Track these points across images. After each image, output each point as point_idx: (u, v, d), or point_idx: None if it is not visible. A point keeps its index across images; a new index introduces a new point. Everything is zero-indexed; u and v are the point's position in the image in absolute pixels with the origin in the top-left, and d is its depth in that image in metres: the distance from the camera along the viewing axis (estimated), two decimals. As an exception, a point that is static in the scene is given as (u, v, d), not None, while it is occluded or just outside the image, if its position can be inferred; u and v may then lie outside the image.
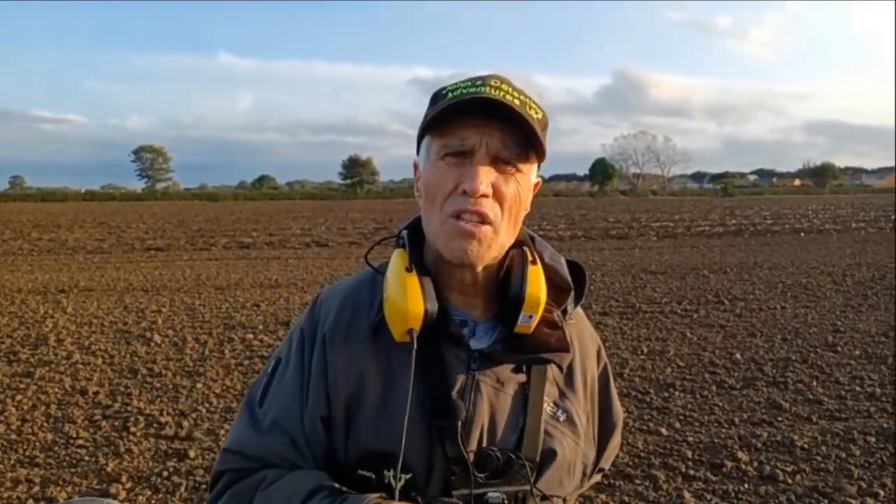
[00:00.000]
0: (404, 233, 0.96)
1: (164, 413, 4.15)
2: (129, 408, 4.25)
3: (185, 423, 3.97)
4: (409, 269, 0.88)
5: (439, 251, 0.89)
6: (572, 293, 0.97)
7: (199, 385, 4.69)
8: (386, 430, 0.87)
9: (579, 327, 1.03)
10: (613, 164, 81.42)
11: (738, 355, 5.44)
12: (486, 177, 0.84)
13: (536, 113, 0.88)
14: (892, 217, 23.34)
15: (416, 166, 0.96)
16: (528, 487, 0.88)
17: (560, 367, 0.94)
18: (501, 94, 0.85)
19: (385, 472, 0.86)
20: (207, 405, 4.29)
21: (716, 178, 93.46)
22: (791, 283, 9.22)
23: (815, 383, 4.72)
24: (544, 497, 0.91)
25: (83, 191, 61.88)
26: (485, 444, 0.89)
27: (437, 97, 0.89)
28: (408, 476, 0.86)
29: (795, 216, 25.56)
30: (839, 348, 5.66)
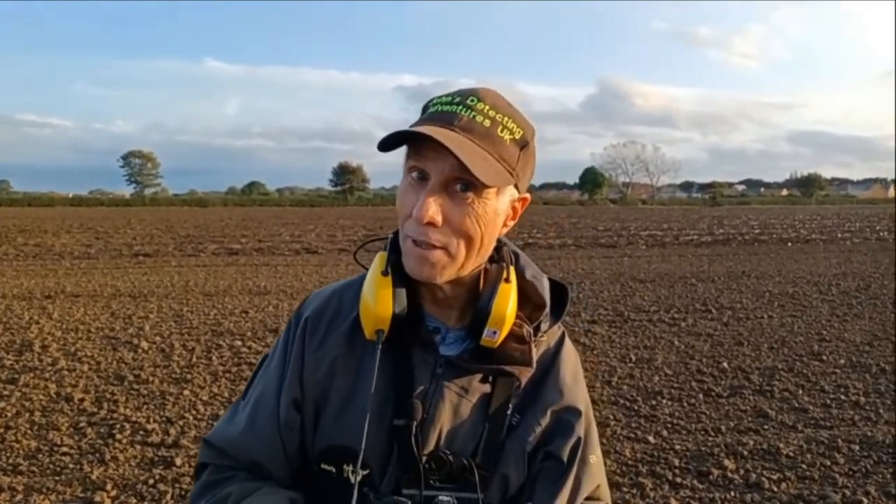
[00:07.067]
0: (390, 236, 0.97)
1: (151, 420, 4.12)
2: (115, 415, 4.21)
3: (172, 431, 3.94)
4: (384, 273, 0.90)
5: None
6: (547, 311, 0.97)
7: (186, 392, 4.65)
8: (349, 425, 0.91)
9: (566, 360, 1.00)
10: (603, 173, 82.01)
11: (724, 364, 5.48)
12: (434, 205, 0.81)
13: (512, 133, 0.84)
14: (877, 227, 23.62)
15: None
16: (478, 496, 0.89)
17: (519, 381, 0.94)
18: (472, 114, 0.82)
19: (345, 466, 0.89)
20: (194, 412, 4.26)
21: (704, 187, 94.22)
22: (778, 293, 9.30)
23: (800, 392, 4.76)
24: None
25: (71, 195, 61.27)
26: (442, 447, 0.92)
27: (424, 108, 0.89)
28: (365, 472, 0.87)
29: (782, 226, 25.82)
30: (825, 357, 5.72)
